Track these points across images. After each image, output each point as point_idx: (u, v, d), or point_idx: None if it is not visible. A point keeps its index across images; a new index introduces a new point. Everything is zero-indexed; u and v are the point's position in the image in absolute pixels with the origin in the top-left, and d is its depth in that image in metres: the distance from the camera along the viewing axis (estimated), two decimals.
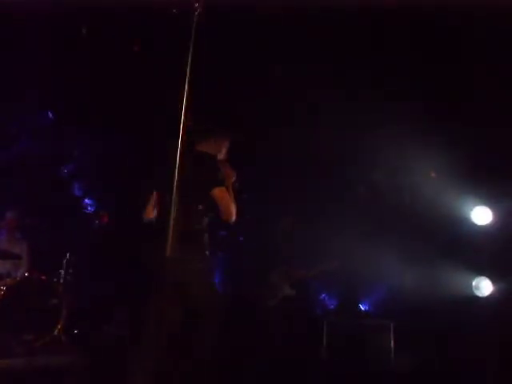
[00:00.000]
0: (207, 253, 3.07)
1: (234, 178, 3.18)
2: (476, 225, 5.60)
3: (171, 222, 2.27)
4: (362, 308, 6.43)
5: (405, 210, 5.74)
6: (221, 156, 3.31)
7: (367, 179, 6.16)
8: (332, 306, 6.51)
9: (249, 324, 4.94)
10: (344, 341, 5.11)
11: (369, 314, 6.29)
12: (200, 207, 3.04)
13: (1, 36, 4.84)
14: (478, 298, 5.40)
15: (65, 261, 5.35)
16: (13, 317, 4.67)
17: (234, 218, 3.08)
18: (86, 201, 6.83)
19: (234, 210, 3.08)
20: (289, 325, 4.80)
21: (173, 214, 2.31)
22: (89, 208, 6.79)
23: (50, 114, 6.53)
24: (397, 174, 5.82)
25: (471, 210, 5.61)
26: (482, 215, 5.58)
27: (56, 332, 4.78)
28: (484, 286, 5.41)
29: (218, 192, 3.03)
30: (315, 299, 6.54)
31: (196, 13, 3.32)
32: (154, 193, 3.21)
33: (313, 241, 5.66)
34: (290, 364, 4.58)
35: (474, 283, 5.47)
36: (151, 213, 3.23)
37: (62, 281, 5.24)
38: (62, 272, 5.28)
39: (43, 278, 5.03)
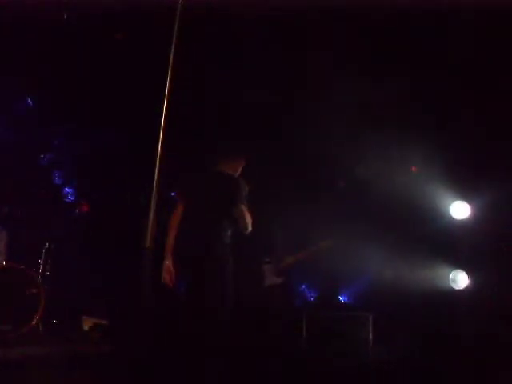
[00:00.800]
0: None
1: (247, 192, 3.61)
2: (454, 219, 5.69)
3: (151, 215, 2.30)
4: (342, 300, 6.49)
5: (384, 204, 5.79)
6: (237, 174, 3.77)
7: (347, 172, 6.19)
8: (312, 298, 6.56)
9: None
10: (323, 332, 5.15)
11: (348, 305, 6.35)
12: (226, 221, 3.53)
13: None
14: (454, 290, 5.51)
15: (44, 250, 5.30)
16: None
17: (250, 229, 3.56)
18: (66, 190, 6.74)
19: (250, 222, 3.55)
20: (269, 315, 4.80)
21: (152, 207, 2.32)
22: (69, 197, 6.71)
23: (30, 101, 6.41)
24: (377, 167, 5.86)
25: (450, 204, 5.70)
26: (460, 209, 5.67)
27: (34, 322, 4.74)
28: (461, 279, 5.51)
29: (243, 208, 3.50)
30: (295, 290, 6.58)
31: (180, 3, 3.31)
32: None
33: (296, 230, 5.69)
34: (268, 354, 4.61)
35: (451, 276, 5.57)
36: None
37: (40, 271, 5.19)
38: (41, 262, 5.23)
39: (21, 267, 4.97)
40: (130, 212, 6.00)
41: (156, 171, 2.43)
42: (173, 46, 2.64)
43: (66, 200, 6.69)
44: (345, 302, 6.44)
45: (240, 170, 3.86)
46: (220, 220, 3.52)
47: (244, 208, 3.53)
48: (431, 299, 5.42)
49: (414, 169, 6.01)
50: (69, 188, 6.84)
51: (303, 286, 6.56)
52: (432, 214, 5.69)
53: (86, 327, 5.32)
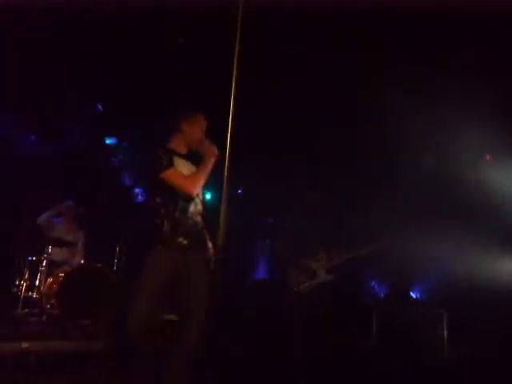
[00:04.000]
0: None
1: (216, 154, 3.14)
2: None
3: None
4: (414, 296, 6.30)
5: (458, 196, 5.56)
6: (195, 136, 3.23)
7: (418, 161, 6.00)
8: (382, 294, 6.42)
9: (278, 311, 4.97)
10: (394, 329, 5.03)
11: (421, 302, 6.16)
12: (158, 200, 3.06)
13: (53, 28, 4.96)
14: None
15: (117, 249, 5.52)
16: (70, 302, 4.87)
17: (192, 190, 3.05)
18: (136, 190, 6.98)
19: (188, 183, 3.05)
20: (327, 312, 4.73)
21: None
22: (139, 197, 6.94)
23: (100, 106, 6.68)
24: (450, 157, 5.64)
25: None
26: None
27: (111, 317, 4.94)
28: None
29: (163, 175, 3.01)
30: (364, 287, 6.47)
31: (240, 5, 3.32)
32: None
33: (357, 224, 5.59)
34: (337, 352, 4.56)
35: None
36: None
37: (115, 268, 5.41)
38: (116, 260, 5.45)
39: (98, 265, 5.20)
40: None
41: (226, 170, 2.46)
42: (236, 49, 2.65)
43: (137, 200, 6.94)
44: (417, 298, 6.26)
45: (197, 129, 3.28)
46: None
47: (169, 173, 3.02)
48: (509, 296, 5.15)
49: (489, 157, 5.72)
50: (138, 189, 7.08)
51: (373, 282, 6.44)
52: (509, 206, 5.40)
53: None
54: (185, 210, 3.07)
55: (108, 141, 7.12)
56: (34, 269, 5.14)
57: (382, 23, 4.62)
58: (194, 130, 3.24)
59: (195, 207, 3.13)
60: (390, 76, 4.88)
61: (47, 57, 5.37)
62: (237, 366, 4.26)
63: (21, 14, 4.70)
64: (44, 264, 5.12)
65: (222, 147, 2.84)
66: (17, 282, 5.07)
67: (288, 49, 4.97)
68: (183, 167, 3.14)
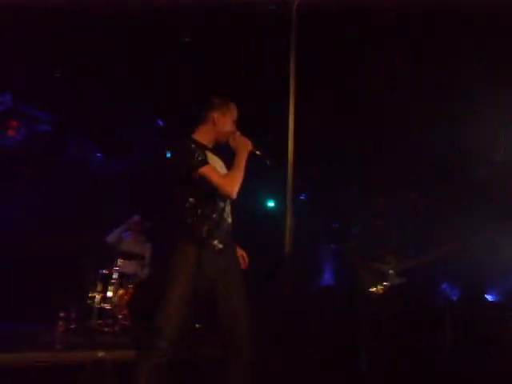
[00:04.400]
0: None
1: (249, 147, 2.88)
2: None
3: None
4: (489, 299, 6.02)
5: None
6: (227, 128, 2.94)
7: (488, 162, 5.75)
8: (454, 297, 6.17)
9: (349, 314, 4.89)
10: (469, 333, 4.82)
11: (497, 304, 5.87)
12: (191, 200, 2.76)
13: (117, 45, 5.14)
14: None
15: None
16: (141, 312, 5.00)
17: (233, 190, 2.73)
18: None
19: (228, 182, 2.73)
20: (398, 315, 4.62)
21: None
22: None
23: (160, 122, 6.86)
24: None
25: None
26: None
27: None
28: None
29: (200, 172, 2.71)
30: (435, 290, 6.25)
31: (294, 5, 3.31)
32: None
33: (428, 227, 5.42)
34: (409, 357, 4.43)
35: None
36: None
37: None
38: None
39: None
40: (266, 216, 6.12)
41: (289, 175, 2.44)
42: (293, 45, 2.65)
43: None
44: (493, 301, 5.96)
45: (229, 122, 2.96)
46: (180, 201, 2.80)
47: (207, 170, 2.72)
48: None
49: None
50: None
51: (444, 285, 6.21)
52: None
53: None
54: (222, 211, 2.81)
55: (168, 155, 7.30)
56: (106, 281, 5.32)
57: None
58: (226, 120, 2.94)
59: (229, 208, 2.89)
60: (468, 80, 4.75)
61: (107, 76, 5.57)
62: (308, 368, 4.22)
63: (84, 33, 4.91)
64: (115, 276, 5.29)
65: (284, 153, 2.81)
66: (90, 294, 5.27)
67: (351, 46, 4.91)
68: (215, 163, 2.86)
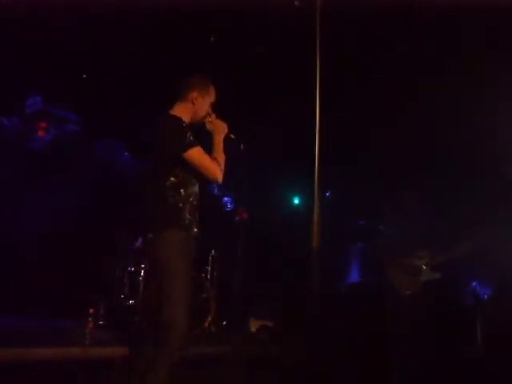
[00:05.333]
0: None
1: (225, 131, 2.84)
2: None
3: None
4: None
5: None
6: (204, 109, 2.86)
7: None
8: (485, 296, 6.02)
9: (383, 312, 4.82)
10: (502, 334, 4.70)
11: None
12: (172, 179, 2.64)
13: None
14: None
15: (210, 257, 5.65)
16: None
17: (220, 176, 2.71)
18: (225, 199, 7.12)
19: (216, 167, 2.68)
20: (433, 315, 4.54)
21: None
22: (228, 206, 7.08)
23: None
24: None
25: None
26: None
27: (207, 324, 5.06)
28: None
29: (193, 153, 2.62)
30: (465, 288, 6.11)
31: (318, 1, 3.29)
32: None
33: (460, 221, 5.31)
34: (433, 362, 4.34)
35: None
36: None
37: (208, 276, 5.54)
38: (209, 268, 5.58)
39: (192, 274, 5.34)
40: (289, 215, 6.11)
41: (316, 172, 2.43)
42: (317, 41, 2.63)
43: (226, 209, 7.07)
44: None
45: (207, 102, 2.86)
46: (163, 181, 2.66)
47: (198, 152, 2.64)
48: None
49: None
50: (227, 197, 7.22)
51: (474, 284, 6.07)
52: None
53: (253, 329, 5.54)
54: (196, 195, 2.73)
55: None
56: (134, 279, 5.39)
57: None
58: (205, 101, 2.85)
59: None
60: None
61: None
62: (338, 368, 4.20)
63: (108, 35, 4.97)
64: (142, 274, 5.35)
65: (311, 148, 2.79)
66: (118, 291, 5.34)
67: (376, 40, 4.87)
68: None
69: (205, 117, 2.85)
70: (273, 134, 6.31)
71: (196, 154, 2.62)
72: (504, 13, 4.17)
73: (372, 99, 5.56)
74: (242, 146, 2.93)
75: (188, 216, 2.61)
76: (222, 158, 2.74)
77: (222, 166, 2.71)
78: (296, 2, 4.23)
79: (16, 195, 5.98)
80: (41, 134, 6.27)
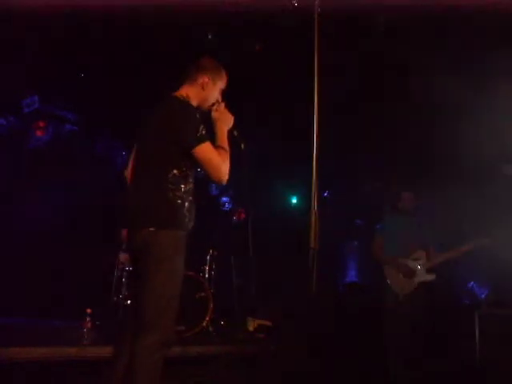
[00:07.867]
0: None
1: (231, 124, 2.61)
2: None
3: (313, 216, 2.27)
4: None
5: None
6: (214, 96, 2.63)
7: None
8: (482, 296, 6.03)
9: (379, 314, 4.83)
10: (500, 333, 4.70)
11: None
12: (175, 172, 2.40)
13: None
14: None
15: (208, 257, 5.65)
16: None
17: (226, 176, 2.45)
18: (223, 199, 7.13)
19: (223, 167, 2.42)
20: (428, 315, 4.54)
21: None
22: (226, 206, 7.08)
23: None
24: None
25: None
26: None
27: (204, 324, 5.06)
28: None
29: (205, 149, 2.37)
30: (462, 287, 6.13)
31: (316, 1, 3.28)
32: None
33: (456, 221, 5.32)
34: (434, 362, 4.35)
35: None
36: None
37: (206, 276, 5.54)
38: (207, 268, 5.58)
39: (190, 273, 5.34)
40: (288, 214, 6.10)
41: (314, 171, 2.42)
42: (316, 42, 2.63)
43: (224, 209, 7.08)
44: None
45: (217, 91, 2.63)
46: (165, 173, 2.39)
47: (208, 148, 2.39)
48: None
49: None
50: (225, 197, 7.23)
51: (471, 283, 6.09)
52: None
53: (251, 328, 5.54)
54: (193, 191, 2.49)
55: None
56: (132, 279, 5.37)
57: None
58: (216, 88, 2.61)
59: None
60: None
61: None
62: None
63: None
64: None
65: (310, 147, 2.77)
66: (116, 291, 5.33)
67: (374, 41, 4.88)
68: None
69: (213, 104, 2.61)
70: (273, 134, 6.32)
71: (206, 150, 2.37)
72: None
73: (372, 99, 5.56)
74: (242, 146, 2.72)
75: (187, 213, 2.43)
76: (227, 155, 2.47)
77: (228, 164, 2.45)
78: (294, 2, 4.23)
79: (15, 194, 5.97)
80: (39, 133, 6.27)
